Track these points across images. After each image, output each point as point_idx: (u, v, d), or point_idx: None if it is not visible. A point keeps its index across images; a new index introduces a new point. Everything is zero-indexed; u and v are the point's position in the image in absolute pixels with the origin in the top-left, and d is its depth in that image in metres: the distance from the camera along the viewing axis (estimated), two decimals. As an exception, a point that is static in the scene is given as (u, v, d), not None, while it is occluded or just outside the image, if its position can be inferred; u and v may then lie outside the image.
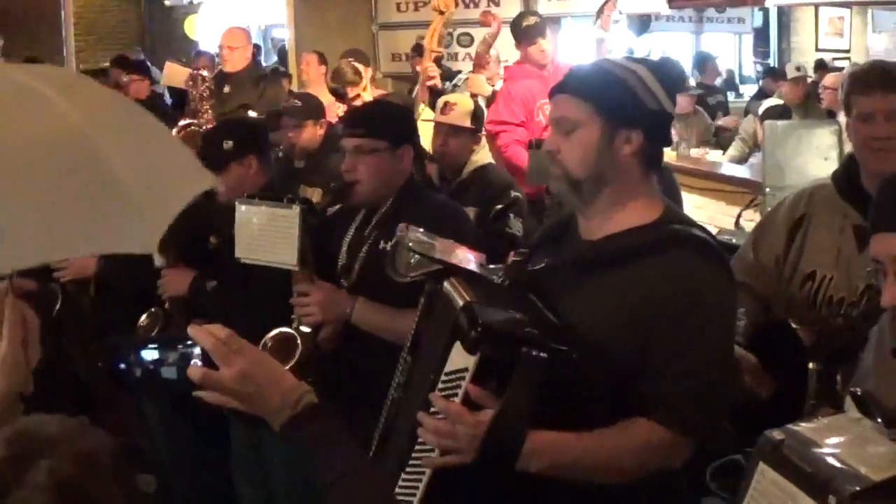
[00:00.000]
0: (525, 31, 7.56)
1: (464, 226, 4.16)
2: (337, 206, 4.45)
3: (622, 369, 2.70)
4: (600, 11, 8.24)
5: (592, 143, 2.81)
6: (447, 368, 2.57)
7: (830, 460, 1.90)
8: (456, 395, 2.55)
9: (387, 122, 4.23)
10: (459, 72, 9.64)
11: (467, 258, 2.98)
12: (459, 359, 2.54)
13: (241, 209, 4.15)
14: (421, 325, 2.96)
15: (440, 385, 2.63)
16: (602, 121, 2.81)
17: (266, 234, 4.06)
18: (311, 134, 6.35)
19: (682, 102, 10.06)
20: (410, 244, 2.92)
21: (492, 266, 3.01)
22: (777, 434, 1.99)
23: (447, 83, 8.82)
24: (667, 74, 2.93)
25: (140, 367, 2.27)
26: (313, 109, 6.44)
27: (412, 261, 2.90)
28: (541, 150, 4.35)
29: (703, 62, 13.41)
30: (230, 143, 4.76)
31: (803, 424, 2.05)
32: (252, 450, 5.00)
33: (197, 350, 2.15)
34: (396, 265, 2.92)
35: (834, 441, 1.97)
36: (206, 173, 2.80)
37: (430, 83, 7.62)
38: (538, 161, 4.54)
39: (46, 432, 1.72)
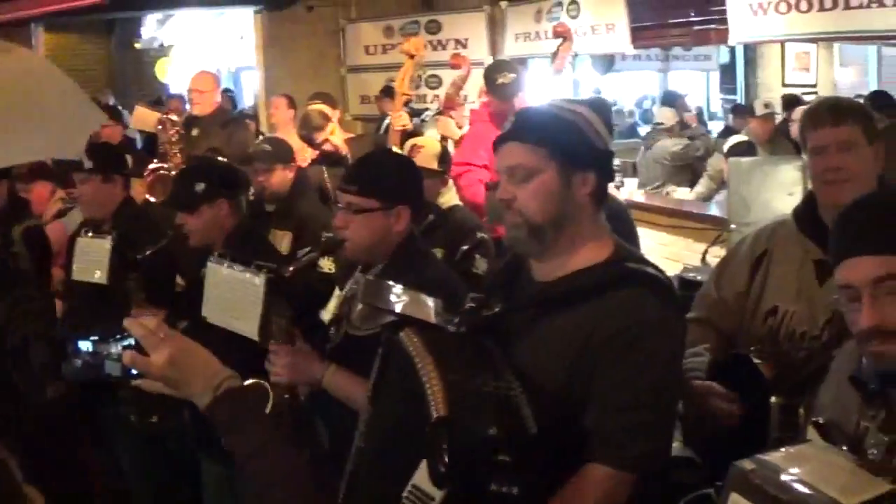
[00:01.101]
0: (498, 89, 7.42)
1: (449, 290, 3.85)
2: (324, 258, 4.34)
3: (570, 410, 2.71)
4: (555, 54, 8.29)
5: (551, 189, 2.83)
6: (415, 480, 2.38)
7: (802, 487, 1.94)
8: None
9: (382, 180, 3.98)
10: (427, 109, 9.70)
11: (426, 305, 2.89)
12: (422, 476, 2.38)
13: (211, 268, 4.08)
14: (379, 375, 2.88)
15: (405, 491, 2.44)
16: (558, 165, 2.82)
17: (232, 298, 3.96)
18: (281, 178, 6.41)
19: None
20: (362, 296, 2.87)
21: (446, 312, 3.00)
22: (747, 464, 2.03)
23: (415, 119, 8.90)
24: (604, 113, 2.98)
25: (79, 359, 2.35)
26: (283, 154, 6.50)
27: (365, 313, 2.87)
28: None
29: (673, 100, 13.53)
30: (202, 185, 4.78)
31: (772, 454, 2.09)
32: (223, 488, 5.03)
33: (132, 341, 2.28)
34: (352, 318, 2.90)
35: (804, 468, 2.01)
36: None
37: (399, 128, 7.66)
38: (494, 202, 4.59)
39: None
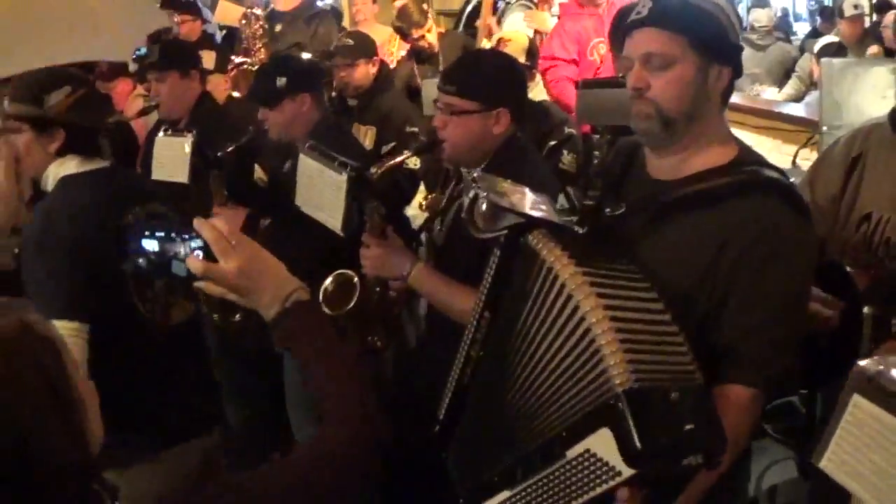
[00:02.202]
0: None
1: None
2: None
3: (701, 317, 2.63)
4: None
5: (688, 79, 2.71)
6: (589, 445, 2.23)
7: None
8: (594, 484, 2.25)
9: (482, 81, 3.87)
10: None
11: (548, 205, 2.78)
12: (602, 445, 2.23)
13: (302, 158, 4.04)
14: (500, 280, 2.72)
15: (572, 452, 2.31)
16: (697, 56, 2.70)
17: (319, 190, 3.95)
18: (364, 73, 6.37)
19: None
20: (487, 197, 2.73)
21: (559, 205, 2.88)
22: (871, 365, 1.93)
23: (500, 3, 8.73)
24: (734, 5, 2.84)
25: (143, 257, 2.26)
26: (365, 48, 6.45)
27: (491, 213, 2.73)
28: (613, 89, 4.24)
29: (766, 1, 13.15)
30: (283, 80, 4.75)
31: (890, 358, 1.97)
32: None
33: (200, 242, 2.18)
34: (475, 220, 2.76)
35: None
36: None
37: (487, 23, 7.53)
38: (587, 100, 4.47)
39: None
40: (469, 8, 9.66)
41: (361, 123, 6.15)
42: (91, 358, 3.55)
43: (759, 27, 11.39)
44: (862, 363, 1.93)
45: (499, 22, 8.37)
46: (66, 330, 3.45)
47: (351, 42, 6.52)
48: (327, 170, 3.89)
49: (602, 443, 2.18)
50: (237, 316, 4.89)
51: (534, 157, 4.16)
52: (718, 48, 2.73)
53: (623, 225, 2.75)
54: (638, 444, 2.10)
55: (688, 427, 2.16)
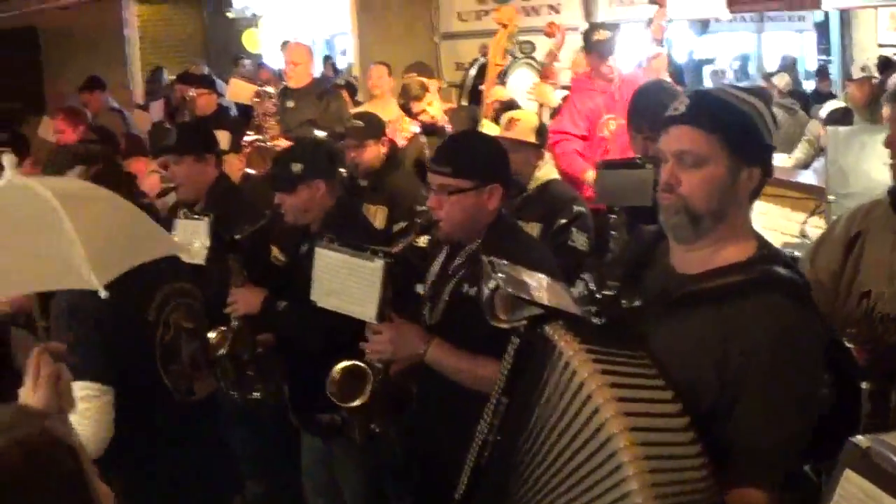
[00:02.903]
0: (595, 45, 7.53)
1: (550, 270, 3.87)
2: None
3: (710, 410, 2.66)
4: (651, 21, 8.21)
5: (719, 179, 2.77)
6: None
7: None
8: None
9: (475, 160, 4.02)
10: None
11: (566, 295, 2.91)
12: None
13: (320, 253, 4.09)
14: (518, 367, 2.82)
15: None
16: (729, 157, 2.76)
17: (346, 283, 3.96)
18: (374, 153, 6.47)
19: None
20: (509, 288, 2.82)
21: (579, 293, 2.96)
22: (864, 441, 1.97)
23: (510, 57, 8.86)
24: (769, 104, 2.92)
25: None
26: (374, 129, 6.55)
27: (510, 304, 2.82)
28: (632, 170, 4.33)
29: (792, 66, 13.28)
30: (299, 166, 4.83)
31: (890, 434, 2.01)
32: (322, 462, 5.10)
33: None
34: (495, 309, 2.85)
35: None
36: (166, 241, 3.50)
37: (491, 101, 7.64)
38: (606, 181, 4.57)
39: None
40: (473, 72, 9.77)
41: (371, 203, 6.24)
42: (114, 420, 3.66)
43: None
44: (855, 438, 1.97)
45: (503, 76, 8.49)
46: (92, 391, 3.57)
47: (360, 123, 6.60)
48: (357, 260, 3.93)
49: None
50: (256, 394, 5.00)
51: (524, 235, 4.36)
52: (751, 150, 2.78)
53: (640, 315, 2.82)
54: None
55: None
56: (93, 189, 3.24)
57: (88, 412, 3.56)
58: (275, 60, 19.23)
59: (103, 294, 2.75)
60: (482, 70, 9.05)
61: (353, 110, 9.51)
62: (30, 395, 2.66)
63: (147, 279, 3.78)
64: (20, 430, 1.79)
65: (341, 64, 19.39)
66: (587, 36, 7.65)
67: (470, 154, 4.06)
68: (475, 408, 2.97)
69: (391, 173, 6.54)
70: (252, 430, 5.44)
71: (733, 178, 2.77)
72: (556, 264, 4.05)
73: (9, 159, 3.12)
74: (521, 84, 8.47)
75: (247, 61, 16.28)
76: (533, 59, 8.78)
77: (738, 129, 2.77)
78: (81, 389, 3.47)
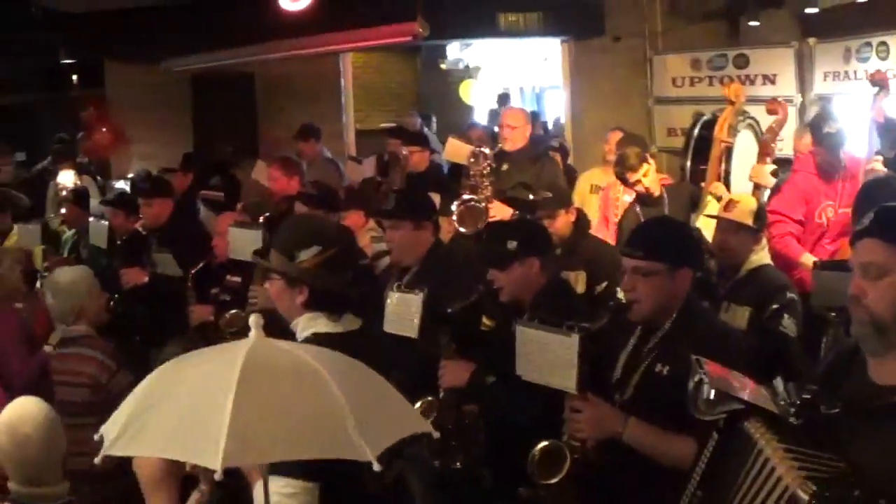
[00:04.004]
0: (826, 138, 7.40)
1: (740, 352, 4.03)
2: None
3: None
4: (873, 102, 7.98)
5: None
6: None
7: None
8: None
9: (667, 244, 4.22)
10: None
11: (766, 394, 2.94)
12: None
13: (521, 330, 4.26)
14: (715, 461, 2.92)
15: None
16: None
17: (545, 356, 4.11)
18: (564, 222, 6.78)
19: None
20: (713, 384, 2.88)
21: (781, 397, 2.95)
22: None
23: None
24: None
25: None
26: (563, 199, 6.86)
27: (712, 397, 2.86)
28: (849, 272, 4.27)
29: None
30: (514, 243, 4.88)
31: None
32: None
33: None
34: (698, 403, 2.90)
35: None
36: (421, 421, 3.58)
37: (713, 191, 7.56)
38: (823, 281, 4.51)
39: None
40: (695, 132, 9.62)
41: (570, 269, 6.32)
42: None
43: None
44: None
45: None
46: (300, 488, 3.52)
47: (549, 195, 6.88)
48: (554, 335, 4.08)
49: None
50: (458, 464, 5.02)
51: (713, 318, 4.55)
52: None
53: (836, 423, 2.79)
54: None
55: None
56: (342, 357, 3.29)
57: None
58: (483, 113, 19.53)
59: (377, 467, 2.83)
60: (707, 125, 8.94)
61: (582, 177, 9.67)
62: None
63: None
64: None
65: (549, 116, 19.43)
66: (816, 125, 7.57)
67: (662, 238, 4.27)
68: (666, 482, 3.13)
69: (583, 238, 6.79)
70: (447, 499, 5.47)
71: None
72: (763, 349, 4.33)
73: (255, 321, 3.17)
74: (744, 146, 8.34)
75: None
76: (754, 120, 8.62)
77: None
78: (285, 487, 3.49)
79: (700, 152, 8.76)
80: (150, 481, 3.88)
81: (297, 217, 5.98)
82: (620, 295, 5.30)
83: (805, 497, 2.44)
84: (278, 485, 3.48)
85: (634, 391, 4.13)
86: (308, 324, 3.87)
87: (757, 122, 8.52)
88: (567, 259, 6.54)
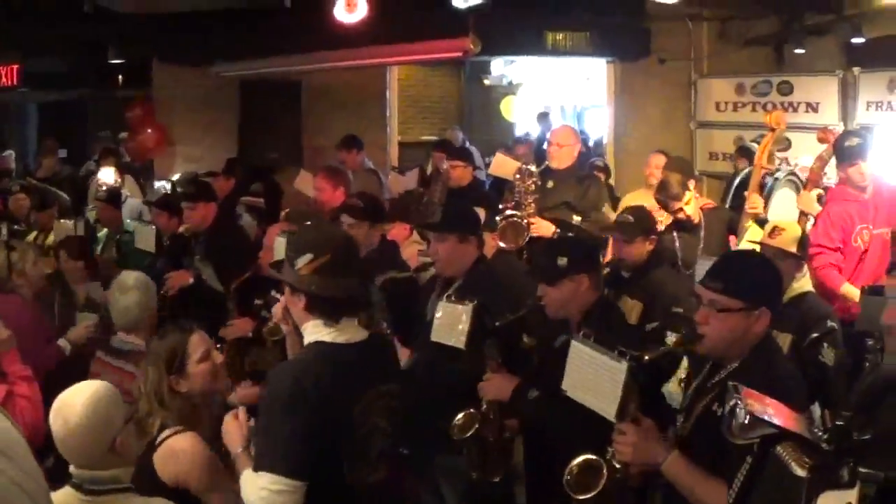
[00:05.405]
0: (846, 152, 7.42)
1: (800, 399, 3.92)
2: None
3: None
4: None
5: None
6: None
7: None
8: None
9: (749, 282, 4.00)
10: (779, 168, 9.45)
11: (800, 420, 2.97)
12: None
13: (575, 346, 4.21)
14: (748, 484, 2.96)
15: None
16: None
17: (593, 377, 4.06)
18: (640, 250, 6.46)
19: None
20: (746, 408, 2.93)
21: (815, 424, 2.99)
22: None
23: (768, 179, 8.78)
24: None
25: None
26: (645, 226, 6.53)
27: (745, 421, 2.91)
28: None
29: None
30: (564, 259, 4.90)
31: None
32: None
33: None
34: (732, 426, 2.94)
35: None
36: None
37: (751, 211, 7.55)
38: (870, 307, 4.52)
39: None
40: (737, 181, 9.70)
41: (630, 297, 6.25)
42: None
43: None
44: None
45: (767, 196, 8.40)
46: (286, 486, 3.66)
47: (631, 219, 6.59)
48: (604, 358, 4.00)
49: None
50: (497, 477, 5.08)
51: (784, 361, 4.27)
52: None
53: (869, 448, 2.84)
54: None
55: None
56: None
57: None
58: (524, 128, 19.56)
59: None
60: (746, 180, 8.97)
61: (625, 199, 9.64)
62: None
63: (358, 379, 3.92)
64: None
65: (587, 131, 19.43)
66: (839, 143, 7.55)
67: (744, 274, 4.05)
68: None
69: (654, 269, 6.53)
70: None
71: None
72: (802, 378, 4.08)
73: None
74: (781, 205, 8.33)
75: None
76: (797, 176, 8.62)
77: None
78: (272, 483, 3.64)
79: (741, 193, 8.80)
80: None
81: (302, 226, 6.03)
82: (669, 340, 5.29)
83: None
84: (266, 481, 3.65)
85: (694, 424, 4.04)
86: (312, 331, 3.96)
87: (800, 180, 8.51)
88: (629, 287, 6.46)
